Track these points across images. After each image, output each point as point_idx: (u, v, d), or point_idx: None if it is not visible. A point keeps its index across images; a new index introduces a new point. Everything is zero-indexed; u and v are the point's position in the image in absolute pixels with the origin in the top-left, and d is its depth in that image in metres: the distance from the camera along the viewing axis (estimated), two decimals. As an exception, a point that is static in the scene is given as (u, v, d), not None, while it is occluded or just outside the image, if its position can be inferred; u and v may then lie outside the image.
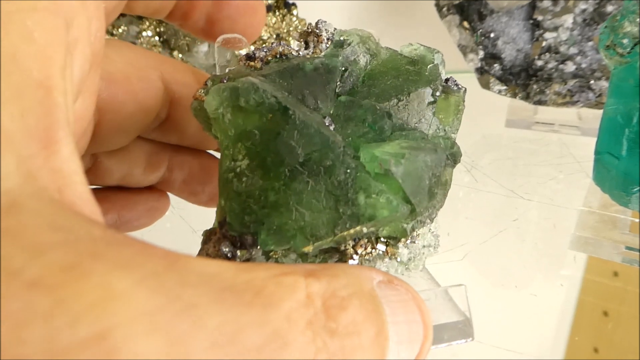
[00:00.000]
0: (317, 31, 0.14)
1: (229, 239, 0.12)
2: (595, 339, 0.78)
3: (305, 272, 0.11)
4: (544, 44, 0.41)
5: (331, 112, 0.13)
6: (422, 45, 0.15)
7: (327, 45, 0.14)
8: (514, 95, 0.41)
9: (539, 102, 0.41)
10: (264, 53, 0.14)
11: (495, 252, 0.27)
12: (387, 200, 0.12)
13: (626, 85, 0.24)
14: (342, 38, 0.14)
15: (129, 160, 0.21)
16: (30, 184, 0.10)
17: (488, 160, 0.38)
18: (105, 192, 0.22)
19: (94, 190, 0.22)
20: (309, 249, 0.12)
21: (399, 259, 0.14)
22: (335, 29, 0.14)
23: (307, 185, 0.12)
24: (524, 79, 0.42)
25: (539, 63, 0.42)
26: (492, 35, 0.43)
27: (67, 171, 0.11)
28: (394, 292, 0.13)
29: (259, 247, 0.12)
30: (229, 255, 0.12)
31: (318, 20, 0.14)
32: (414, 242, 0.14)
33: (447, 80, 0.16)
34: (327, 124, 0.13)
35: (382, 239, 0.14)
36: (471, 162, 0.37)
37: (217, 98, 0.12)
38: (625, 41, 0.24)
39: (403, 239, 0.14)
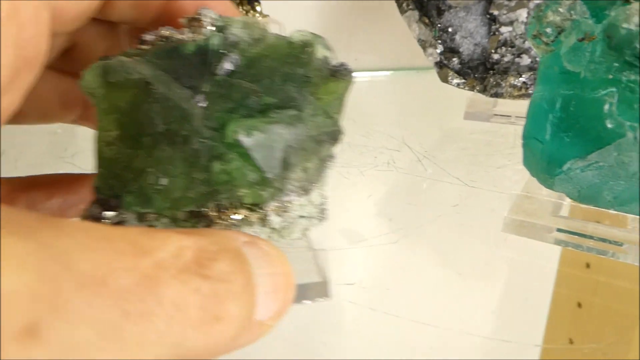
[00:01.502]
0: (198, 17, 0.15)
1: (99, 201, 0.13)
2: (570, 330, 0.78)
3: (176, 231, 0.13)
4: (500, 38, 0.42)
5: (207, 90, 0.14)
6: (310, 32, 0.16)
7: (210, 30, 0.15)
8: (472, 89, 0.42)
9: (496, 95, 0.42)
10: (152, 37, 0.15)
11: (431, 235, 0.28)
12: (237, 168, 0.13)
13: (551, 72, 0.25)
14: (223, 24, 0.15)
15: (41, 100, 0.21)
16: None
17: (442, 151, 0.39)
18: (50, 177, 0.22)
19: (44, 175, 0.23)
20: (173, 212, 0.13)
21: (270, 226, 0.15)
22: (219, 15, 0.15)
23: (165, 152, 0.13)
24: (481, 73, 0.43)
25: (496, 57, 0.43)
26: (450, 30, 0.44)
27: None
28: (257, 250, 0.14)
29: (123, 208, 0.13)
30: (98, 215, 0.13)
31: (200, 8, 0.15)
32: (287, 212, 0.16)
33: (338, 65, 0.17)
34: (199, 100, 0.14)
35: (246, 206, 0.15)
36: (424, 152, 0.38)
37: (91, 75, 0.13)
38: (549, 30, 0.25)
39: (276, 208, 0.15)
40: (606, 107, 0.23)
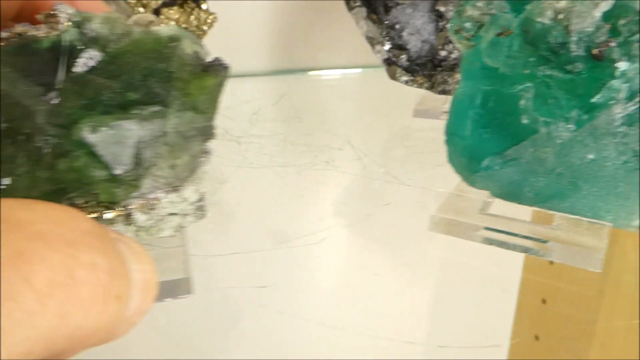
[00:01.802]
0: (54, 12, 0.14)
1: None
2: (536, 327, 0.79)
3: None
4: (447, 34, 0.42)
5: (60, 86, 0.14)
6: (178, 26, 0.16)
7: (66, 26, 0.14)
8: (420, 86, 0.42)
9: (443, 92, 0.41)
10: (6, 34, 0.14)
11: (358, 235, 0.28)
12: (84, 165, 0.13)
13: (473, 68, 0.25)
14: (81, 19, 0.15)
15: None
16: None
17: (386, 149, 0.38)
18: None
19: None
20: None
21: (136, 224, 0.15)
22: (76, 11, 0.15)
23: (7, 151, 0.12)
24: (429, 70, 0.43)
25: (443, 53, 0.42)
26: (397, 26, 0.43)
27: None
28: (126, 247, 0.14)
29: None
30: None
31: (56, 4, 0.15)
32: (153, 209, 0.15)
33: (211, 60, 0.17)
34: (51, 97, 0.13)
35: (103, 204, 0.14)
36: (366, 150, 0.37)
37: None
38: (468, 25, 0.24)
39: (141, 205, 0.15)
40: (522, 102, 0.23)
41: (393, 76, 0.43)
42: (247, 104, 0.47)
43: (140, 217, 0.15)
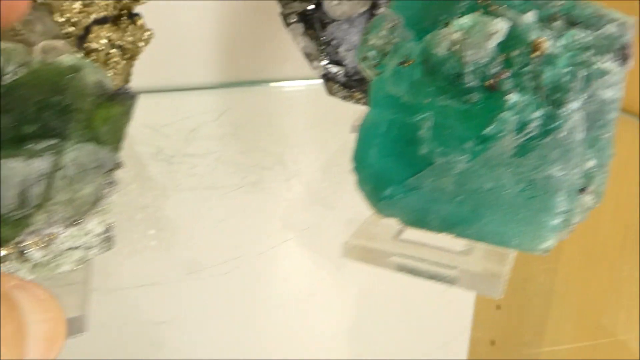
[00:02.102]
0: None
1: None
2: (491, 332, 0.79)
3: None
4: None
5: None
6: (77, 56, 0.16)
7: None
8: (358, 102, 0.42)
9: (380, 108, 0.41)
10: None
11: (272, 262, 0.28)
12: None
13: (379, 96, 0.25)
14: None
15: None
16: None
17: (317, 168, 0.38)
18: None
19: None
20: None
21: (32, 261, 0.15)
22: None
23: None
24: (367, 85, 0.42)
25: (379, 69, 0.42)
26: (334, 42, 0.43)
27: None
28: (28, 294, 0.14)
29: None
30: None
31: None
32: (50, 245, 0.15)
33: (116, 90, 0.16)
34: None
35: None
36: (297, 170, 0.37)
37: None
38: (372, 54, 0.24)
39: (35, 242, 0.15)
40: (421, 132, 0.23)
41: (331, 92, 0.43)
42: (188, 120, 0.47)
43: (35, 254, 0.15)
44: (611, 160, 0.24)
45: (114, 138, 0.17)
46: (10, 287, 0.13)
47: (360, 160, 0.25)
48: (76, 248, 0.17)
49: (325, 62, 0.42)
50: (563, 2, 0.22)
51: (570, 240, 0.67)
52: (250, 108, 0.53)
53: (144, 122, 0.46)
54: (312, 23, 0.44)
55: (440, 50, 0.22)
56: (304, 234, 0.29)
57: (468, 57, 0.22)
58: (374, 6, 0.41)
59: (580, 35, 0.21)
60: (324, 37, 0.43)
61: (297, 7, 0.43)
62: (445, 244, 0.27)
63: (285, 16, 0.44)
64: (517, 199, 0.23)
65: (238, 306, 0.25)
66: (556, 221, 0.23)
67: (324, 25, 0.43)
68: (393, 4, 0.25)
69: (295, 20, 0.44)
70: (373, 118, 0.25)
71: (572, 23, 0.22)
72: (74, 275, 0.22)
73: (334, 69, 0.42)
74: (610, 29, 0.21)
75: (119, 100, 0.17)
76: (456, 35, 0.22)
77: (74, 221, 0.16)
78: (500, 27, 0.21)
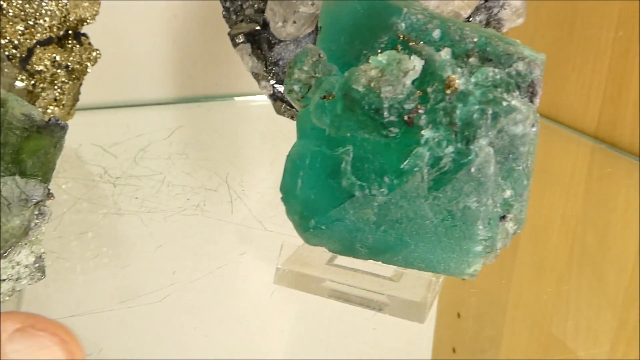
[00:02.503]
0: None
1: None
2: (453, 340, 0.80)
3: None
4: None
5: None
6: (4, 90, 0.16)
7: None
8: (306, 121, 0.42)
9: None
10: None
11: (204, 289, 0.28)
12: None
13: (305, 127, 0.25)
14: None
15: None
16: None
17: (262, 189, 0.39)
18: None
19: None
20: None
21: None
22: None
23: None
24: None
25: (326, 89, 0.43)
26: (281, 63, 0.44)
27: None
28: (31, 342, 0.13)
29: None
30: None
31: None
32: None
33: (46, 121, 0.17)
34: None
35: None
36: (242, 191, 0.37)
37: None
38: (296, 87, 0.25)
39: None
40: (342, 165, 0.24)
41: (279, 111, 0.43)
42: (138, 139, 0.47)
43: None
44: (528, 189, 0.25)
45: (43, 170, 0.17)
46: (11, 335, 0.13)
47: (287, 191, 0.25)
48: (5, 280, 0.17)
49: (272, 82, 0.43)
50: (477, 39, 0.23)
51: (522, 252, 0.69)
52: (202, 124, 0.53)
53: (95, 140, 0.46)
54: (260, 43, 0.44)
55: (359, 86, 0.23)
56: (241, 259, 0.30)
57: (384, 93, 0.22)
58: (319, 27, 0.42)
59: (491, 72, 0.22)
60: (271, 58, 0.43)
61: (245, 27, 0.44)
62: (377, 270, 0.28)
63: (233, 37, 0.45)
64: (439, 228, 0.24)
65: (172, 335, 0.25)
66: (479, 248, 0.24)
67: (271, 46, 0.43)
68: (320, 37, 0.26)
69: (242, 40, 0.44)
70: (299, 149, 0.25)
71: (485, 60, 0.23)
72: (4, 307, 0.22)
73: (281, 88, 0.42)
74: (520, 66, 0.22)
75: (48, 131, 0.17)
76: (373, 72, 0.22)
77: (2, 253, 0.16)
78: (414, 64, 0.22)
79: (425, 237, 0.24)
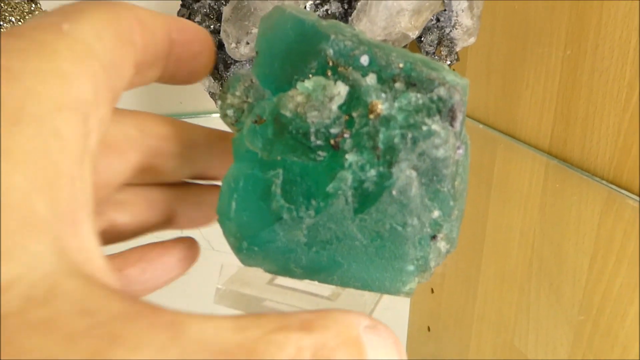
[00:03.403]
0: None
1: None
2: (422, 352, 0.81)
3: (299, 326, 0.13)
4: (284, 90, 0.43)
5: None
6: None
7: None
8: (261, 140, 0.43)
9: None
10: None
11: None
12: None
13: (240, 151, 0.26)
14: None
15: (138, 212, 0.25)
16: (64, 261, 0.12)
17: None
18: (141, 251, 0.25)
19: (134, 248, 0.25)
20: None
21: None
22: None
23: None
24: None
25: (281, 109, 0.44)
26: (236, 83, 0.44)
27: (89, 247, 0.14)
28: (377, 338, 0.15)
29: None
30: None
31: None
32: None
33: None
34: None
35: None
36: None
37: None
38: (229, 112, 0.25)
39: None
40: (272, 187, 0.24)
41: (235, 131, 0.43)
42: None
43: None
44: (457, 209, 0.25)
45: None
46: (363, 329, 0.14)
47: (223, 213, 0.26)
48: None
49: (229, 101, 0.43)
50: (403, 64, 0.23)
51: (485, 265, 0.70)
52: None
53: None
54: (216, 64, 0.44)
55: (287, 111, 0.23)
56: (183, 279, 0.30)
57: (311, 118, 0.23)
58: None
59: (414, 97, 0.23)
60: (228, 77, 0.44)
61: (201, 48, 0.44)
62: (316, 290, 0.28)
63: (190, 57, 0.45)
64: (369, 249, 0.24)
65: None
66: (411, 267, 0.25)
67: (227, 66, 0.44)
68: (255, 62, 0.26)
69: (198, 61, 0.45)
70: (233, 172, 0.26)
71: (410, 84, 0.23)
72: None
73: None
74: (441, 91, 0.23)
75: None
76: (300, 98, 0.23)
77: None
78: (339, 90, 0.23)
79: (357, 257, 0.24)
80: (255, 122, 0.24)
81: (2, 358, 0.10)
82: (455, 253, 0.69)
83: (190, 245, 0.27)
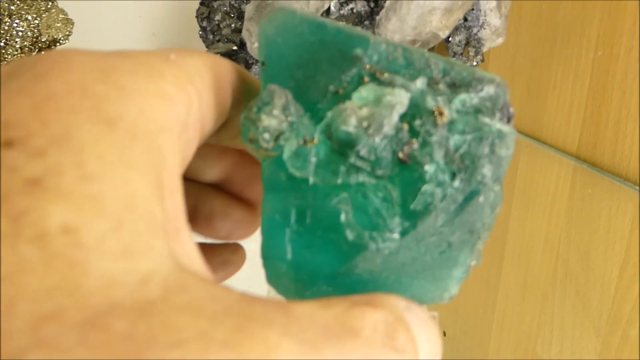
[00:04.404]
0: None
1: None
2: (444, 322, 0.79)
3: (365, 303, 0.15)
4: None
5: None
6: None
7: None
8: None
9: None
10: None
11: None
12: None
13: (278, 179, 0.22)
14: None
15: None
16: (177, 262, 0.13)
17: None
18: (208, 248, 0.25)
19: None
20: None
21: None
22: None
23: None
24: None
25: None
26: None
27: (190, 252, 0.15)
28: (414, 316, 0.17)
29: None
30: None
31: None
32: None
33: None
34: None
35: None
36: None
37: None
38: (266, 136, 0.21)
39: None
40: (342, 216, 0.21)
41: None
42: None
43: None
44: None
45: None
46: (402, 310, 0.16)
47: (273, 255, 0.22)
48: None
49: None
50: (439, 64, 0.22)
51: (506, 271, 0.69)
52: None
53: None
54: (237, 63, 0.43)
55: (349, 127, 0.21)
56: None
57: (376, 131, 0.21)
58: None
59: (467, 98, 0.21)
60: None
61: (222, 47, 0.43)
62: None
63: (210, 57, 0.43)
64: (436, 261, 0.22)
65: None
66: (462, 271, 0.23)
67: (248, 66, 0.42)
68: (267, 74, 0.22)
69: (219, 61, 0.43)
70: (276, 205, 0.22)
71: (452, 85, 0.22)
72: None
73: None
74: (491, 90, 0.21)
75: None
76: (364, 111, 0.21)
77: None
78: (402, 98, 0.21)
79: (422, 273, 0.22)
80: (304, 143, 0.21)
81: (161, 338, 0.11)
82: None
83: (235, 250, 0.26)
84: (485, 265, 0.65)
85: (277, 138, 0.21)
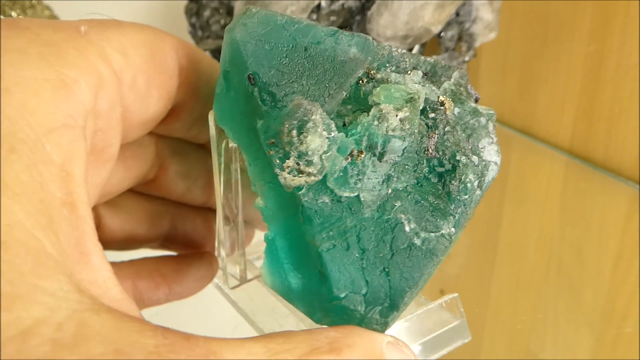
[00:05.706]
0: None
1: None
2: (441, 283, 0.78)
3: (328, 348, 0.13)
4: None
5: None
6: None
7: None
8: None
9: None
10: None
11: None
12: None
13: (324, 205, 0.19)
14: None
15: (130, 220, 0.22)
16: (85, 298, 0.11)
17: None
18: (156, 264, 0.23)
19: (147, 259, 0.23)
20: None
21: None
22: None
23: None
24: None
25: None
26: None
27: (102, 279, 0.13)
28: (399, 353, 0.16)
29: None
30: None
31: None
32: None
33: None
34: None
35: None
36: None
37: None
38: (315, 159, 0.18)
39: None
40: (406, 226, 0.20)
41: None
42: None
43: None
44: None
45: None
46: (385, 345, 0.16)
47: (346, 289, 0.19)
48: None
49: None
50: (410, 59, 0.21)
51: (499, 268, 0.68)
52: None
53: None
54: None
55: (393, 132, 0.19)
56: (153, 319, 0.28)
57: (410, 130, 0.20)
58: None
59: (447, 85, 0.22)
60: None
61: (211, 44, 0.42)
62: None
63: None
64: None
65: None
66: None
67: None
68: (259, 86, 0.19)
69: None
70: (334, 234, 0.19)
71: (425, 74, 0.22)
72: None
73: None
74: (457, 75, 0.22)
75: None
76: (403, 112, 0.19)
77: None
78: (422, 93, 0.20)
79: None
80: (351, 158, 0.19)
81: None
82: (467, 254, 0.67)
83: (209, 264, 0.24)
84: (478, 262, 0.64)
85: (321, 158, 0.18)
